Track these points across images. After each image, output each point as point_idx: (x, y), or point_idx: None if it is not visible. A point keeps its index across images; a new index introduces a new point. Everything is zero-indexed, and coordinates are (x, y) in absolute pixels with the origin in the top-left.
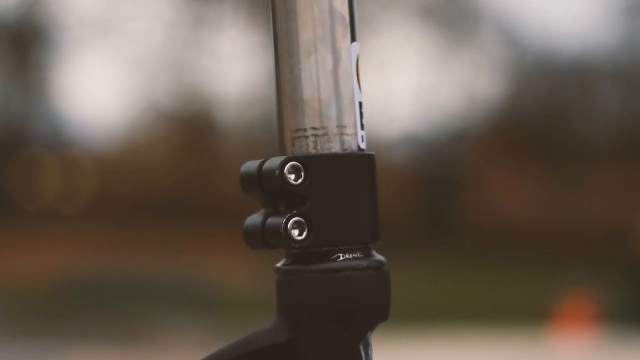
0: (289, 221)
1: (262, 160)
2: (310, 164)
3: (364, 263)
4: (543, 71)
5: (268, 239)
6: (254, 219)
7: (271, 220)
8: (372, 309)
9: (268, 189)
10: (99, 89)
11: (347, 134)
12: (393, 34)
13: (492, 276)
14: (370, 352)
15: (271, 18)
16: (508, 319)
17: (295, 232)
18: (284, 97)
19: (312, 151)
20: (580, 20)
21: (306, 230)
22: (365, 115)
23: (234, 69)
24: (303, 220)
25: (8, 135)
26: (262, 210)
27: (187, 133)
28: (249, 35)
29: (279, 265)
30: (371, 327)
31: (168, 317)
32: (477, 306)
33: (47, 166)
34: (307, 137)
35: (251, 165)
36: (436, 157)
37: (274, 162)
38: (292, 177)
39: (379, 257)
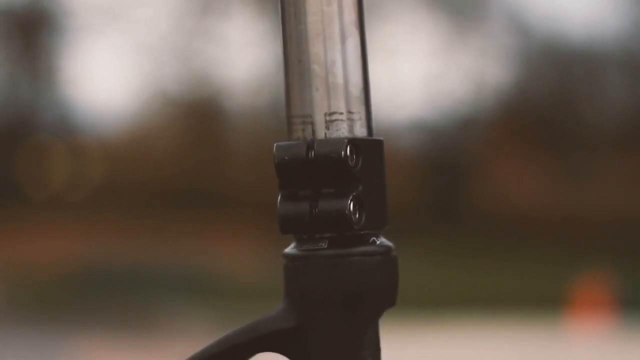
0: (351, 203)
1: (305, 141)
2: (362, 146)
3: (372, 248)
4: (550, 58)
5: (321, 222)
6: (290, 202)
7: (327, 203)
8: (379, 294)
9: (322, 171)
10: (106, 75)
11: (371, 119)
12: (401, 21)
13: (500, 263)
14: (378, 337)
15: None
16: (515, 306)
17: (355, 215)
18: (316, 79)
19: (349, 134)
20: (587, 7)
21: (358, 213)
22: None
23: (241, 55)
24: (357, 203)
25: (16, 123)
26: (284, 193)
27: (195, 120)
28: (257, 21)
29: (286, 250)
30: (379, 313)
31: (175, 304)
32: (484, 293)
33: (54, 153)
34: (342, 120)
35: (290, 146)
36: (444, 144)
37: (332, 143)
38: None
39: (386, 242)
